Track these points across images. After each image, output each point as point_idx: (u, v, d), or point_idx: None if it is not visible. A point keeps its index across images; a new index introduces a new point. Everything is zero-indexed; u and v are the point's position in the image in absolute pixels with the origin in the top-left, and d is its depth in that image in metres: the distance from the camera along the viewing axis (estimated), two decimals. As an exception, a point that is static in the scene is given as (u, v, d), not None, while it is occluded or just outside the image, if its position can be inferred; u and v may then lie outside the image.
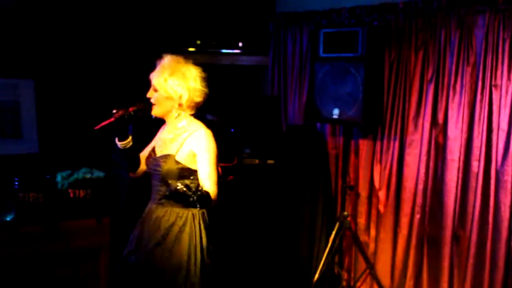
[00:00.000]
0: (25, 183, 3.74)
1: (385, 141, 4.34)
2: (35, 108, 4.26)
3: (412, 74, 4.15)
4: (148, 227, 2.89)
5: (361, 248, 4.44)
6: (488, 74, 3.77)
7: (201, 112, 4.04)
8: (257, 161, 4.25)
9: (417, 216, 4.18)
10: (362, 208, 4.53)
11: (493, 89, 3.77)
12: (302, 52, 4.73)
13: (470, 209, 3.92)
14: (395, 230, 4.35)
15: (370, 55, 4.03)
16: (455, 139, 3.96)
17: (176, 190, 2.59)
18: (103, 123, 2.72)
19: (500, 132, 3.76)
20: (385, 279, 4.41)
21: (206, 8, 4.71)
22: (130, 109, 2.79)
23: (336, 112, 4.12)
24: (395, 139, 4.28)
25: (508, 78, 3.70)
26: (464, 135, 3.92)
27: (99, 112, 4.18)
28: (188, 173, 2.81)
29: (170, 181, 2.73)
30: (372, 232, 4.49)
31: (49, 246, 3.68)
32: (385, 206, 4.38)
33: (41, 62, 4.24)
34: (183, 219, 2.85)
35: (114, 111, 2.76)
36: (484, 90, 3.80)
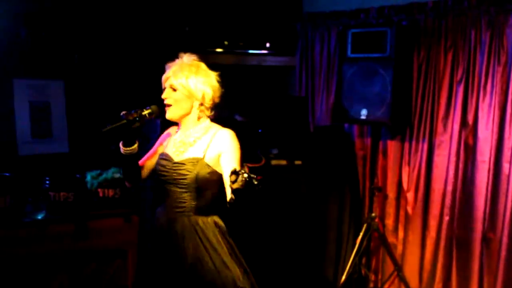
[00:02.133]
0: (56, 182, 3.80)
1: (413, 142, 4.30)
2: (65, 108, 4.33)
3: (442, 74, 4.10)
4: (178, 240, 2.69)
5: (389, 250, 4.41)
6: (520, 74, 3.71)
7: (229, 113, 4.04)
8: (284, 161, 4.24)
9: (446, 218, 4.13)
10: (390, 210, 4.50)
11: (526, 89, 3.71)
12: (329, 52, 4.70)
13: (501, 211, 3.85)
14: (423, 232, 4.30)
15: (398, 55, 4.00)
16: (485, 140, 3.90)
17: (248, 180, 2.12)
18: (113, 125, 2.53)
19: (533, 134, 3.70)
20: (413, 281, 4.37)
21: (233, 8, 4.72)
22: (145, 111, 2.63)
23: (364, 112, 4.10)
24: (423, 140, 4.23)
25: (541, 78, 3.64)
26: (495, 136, 3.86)
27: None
28: (216, 176, 2.68)
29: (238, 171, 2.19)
30: (400, 233, 4.45)
31: (78, 244, 3.73)
32: (414, 207, 4.33)
33: (70, 63, 4.30)
34: (219, 224, 2.75)
35: (123, 113, 2.57)
36: (516, 91, 3.74)
